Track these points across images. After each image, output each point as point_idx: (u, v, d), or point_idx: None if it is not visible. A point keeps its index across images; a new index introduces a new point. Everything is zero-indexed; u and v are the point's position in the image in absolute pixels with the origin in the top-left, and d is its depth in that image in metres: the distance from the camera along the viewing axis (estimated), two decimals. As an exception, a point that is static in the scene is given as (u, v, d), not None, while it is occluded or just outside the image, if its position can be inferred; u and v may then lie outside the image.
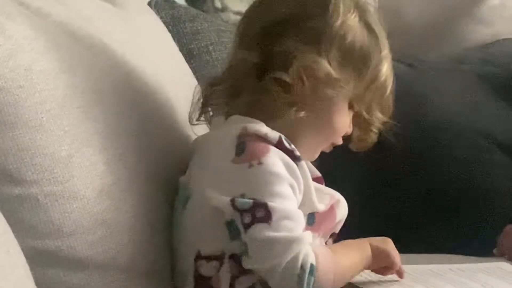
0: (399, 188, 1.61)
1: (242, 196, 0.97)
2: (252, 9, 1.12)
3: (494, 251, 1.35)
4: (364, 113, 1.10)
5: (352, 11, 1.06)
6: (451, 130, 1.65)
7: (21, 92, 0.93)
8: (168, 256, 1.08)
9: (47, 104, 0.95)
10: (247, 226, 0.97)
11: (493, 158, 1.63)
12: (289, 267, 0.95)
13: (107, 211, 0.98)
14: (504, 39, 2.12)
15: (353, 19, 1.05)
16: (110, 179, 1.00)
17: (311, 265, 0.96)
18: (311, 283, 0.95)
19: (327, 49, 1.03)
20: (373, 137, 1.14)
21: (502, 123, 1.68)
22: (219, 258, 1.01)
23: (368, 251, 1.05)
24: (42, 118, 0.94)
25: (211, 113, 1.13)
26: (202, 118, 1.12)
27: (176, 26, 1.62)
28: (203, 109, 1.12)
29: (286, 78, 1.02)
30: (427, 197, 1.60)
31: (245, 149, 1.00)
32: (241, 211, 0.97)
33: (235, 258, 1.00)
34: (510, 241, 1.34)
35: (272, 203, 0.97)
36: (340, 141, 1.11)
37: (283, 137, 1.02)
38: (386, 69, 1.08)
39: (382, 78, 1.08)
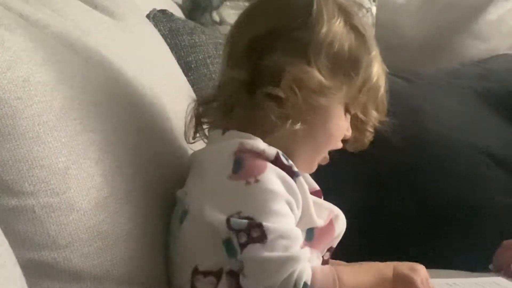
0: (395, 203, 1.61)
1: (238, 213, 0.96)
2: (236, 26, 1.11)
3: (490, 266, 1.35)
4: (361, 115, 1.10)
5: (336, 16, 1.05)
6: (448, 144, 1.66)
7: (18, 104, 0.93)
8: (164, 269, 1.08)
9: (44, 116, 0.95)
10: (243, 246, 0.96)
11: (489, 173, 1.63)
12: (283, 287, 0.94)
13: (103, 223, 0.98)
14: (501, 55, 2.13)
15: (338, 25, 1.04)
16: (106, 191, 1.00)
17: (305, 283, 0.94)
18: None
19: (315, 58, 1.02)
20: (368, 137, 1.13)
21: (499, 138, 1.68)
22: (216, 274, 1.00)
23: (387, 274, 1.02)
24: (39, 129, 0.94)
25: (206, 130, 1.12)
26: (198, 135, 1.12)
27: (174, 38, 1.63)
28: (197, 127, 1.11)
29: (279, 92, 1.01)
30: (423, 211, 1.60)
31: (242, 166, 0.99)
32: (236, 231, 0.96)
33: (233, 275, 0.99)
34: (506, 256, 1.34)
35: (267, 223, 0.96)
36: (339, 146, 1.11)
37: (280, 153, 1.01)
38: (376, 69, 1.07)
39: (374, 79, 1.07)
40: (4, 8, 1.03)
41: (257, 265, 0.96)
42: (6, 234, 0.90)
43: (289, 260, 0.95)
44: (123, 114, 1.09)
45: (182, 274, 1.04)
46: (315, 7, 1.04)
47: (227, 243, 0.97)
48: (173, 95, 1.28)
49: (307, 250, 0.99)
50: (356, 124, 1.11)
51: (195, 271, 1.02)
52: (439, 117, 1.70)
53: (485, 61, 2.08)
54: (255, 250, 0.95)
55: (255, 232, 0.95)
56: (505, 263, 1.32)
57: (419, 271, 1.03)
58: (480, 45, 2.20)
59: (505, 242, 1.37)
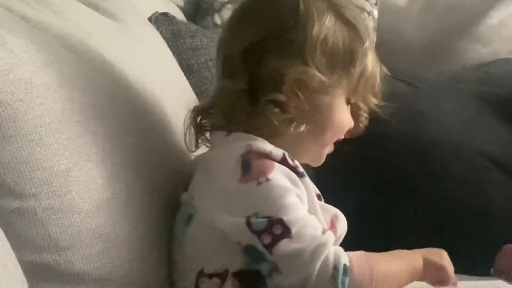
0: (396, 207, 1.61)
1: (256, 215, 0.96)
2: (226, 34, 1.10)
3: (491, 270, 1.35)
4: (361, 103, 1.11)
5: (326, 11, 1.04)
6: (449, 148, 1.66)
7: (20, 106, 0.93)
8: (166, 271, 1.08)
9: (46, 118, 0.95)
10: (270, 246, 0.96)
11: (490, 177, 1.63)
12: (322, 271, 0.95)
13: (105, 225, 0.98)
14: (503, 59, 2.13)
15: (329, 20, 1.04)
16: (108, 194, 1.00)
17: (344, 265, 0.95)
18: (346, 283, 0.95)
19: (312, 57, 1.02)
20: (364, 122, 1.14)
21: (500, 142, 1.68)
22: (221, 275, 1.00)
23: (418, 263, 1.05)
24: (41, 131, 0.94)
25: (207, 135, 1.12)
26: (200, 141, 1.12)
27: (176, 41, 1.63)
28: (198, 135, 1.11)
29: (282, 98, 1.01)
30: (424, 215, 1.60)
31: (251, 167, 0.99)
32: (258, 232, 0.96)
33: (238, 276, 0.99)
34: (507, 260, 1.33)
35: (286, 217, 0.96)
36: (342, 136, 1.11)
37: (286, 154, 1.01)
38: (371, 59, 1.08)
39: (370, 68, 1.08)
40: (6, 10, 1.03)
41: (291, 260, 0.96)
42: (8, 236, 0.90)
43: (319, 246, 0.95)
44: (125, 117, 1.09)
45: (186, 277, 1.03)
46: (302, 6, 1.03)
47: (250, 250, 0.98)
48: (174, 98, 1.29)
49: (330, 233, 0.99)
50: (352, 111, 1.12)
51: (201, 274, 1.01)
52: (440, 121, 1.70)
53: (487, 65, 2.08)
54: (284, 246, 0.95)
55: (277, 229, 0.96)
56: (506, 267, 1.32)
57: (445, 256, 1.08)
58: (481, 49, 2.20)
59: (506, 246, 1.37)
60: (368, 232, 1.49)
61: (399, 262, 1.05)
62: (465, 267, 1.36)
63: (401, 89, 1.76)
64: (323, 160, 1.12)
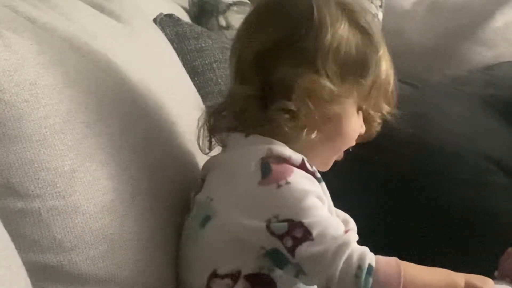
0: (400, 210, 1.60)
1: (276, 217, 0.96)
2: (239, 40, 1.09)
3: (495, 273, 1.35)
4: (372, 111, 1.09)
5: (340, 18, 1.03)
6: (454, 151, 1.65)
7: (25, 106, 0.93)
8: (170, 271, 1.08)
9: (51, 119, 0.95)
10: (291, 250, 0.96)
11: (495, 180, 1.62)
12: (345, 271, 0.94)
13: (109, 226, 0.98)
14: (507, 62, 2.13)
15: (342, 28, 1.02)
16: (112, 195, 1.00)
17: (369, 265, 0.95)
18: (369, 283, 0.94)
19: (324, 66, 1.01)
20: (376, 127, 1.13)
21: (505, 145, 1.68)
22: (233, 277, 1.00)
23: (459, 283, 1.01)
24: (46, 132, 0.94)
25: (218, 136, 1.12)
26: (213, 143, 1.11)
27: (180, 43, 1.63)
28: (212, 136, 1.11)
29: (291, 106, 1.01)
30: (428, 218, 1.59)
31: (271, 170, 0.99)
32: (279, 236, 0.96)
33: (249, 279, 0.99)
34: (511, 263, 1.33)
35: (307, 220, 0.96)
36: (353, 143, 1.11)
37: (305, 159, 1.01)
38: (385, 66, 1.06)
39: (383, 76, 1.06)
40: (12, 11, 1.03)
41: (313, 261, 0.96)
42: (12, 236, 0.90)
43: (341, 246, 0.95)
44: (130, 118, 1.09)
45: (198, 276, 1.03)
46: (316, 14, 1.02)
47: (274, 253, 0.98)
48: (179, 99, 1.29)
49: (352, 233, 1.00)
50: (365, 116, 1.10)
51: (213, 274, 1.01)
52: (445, 123, 1.70)
53: (492, 68, 2.07)
54: (305, 249, 0.95)
55: (298, 232, 0.96)
56: (510, 270, 1.32)
57: (489, 284, 1.03)
58: (486, 52, 2.20)
59: (509, 249, 1.37)
60: (373, 235, 1.49)
61: (435, 275, 1.02)
62: (469, 270, 1.36)
63: (406, 91, 1.76)
64: (330, 165, 1.11)
